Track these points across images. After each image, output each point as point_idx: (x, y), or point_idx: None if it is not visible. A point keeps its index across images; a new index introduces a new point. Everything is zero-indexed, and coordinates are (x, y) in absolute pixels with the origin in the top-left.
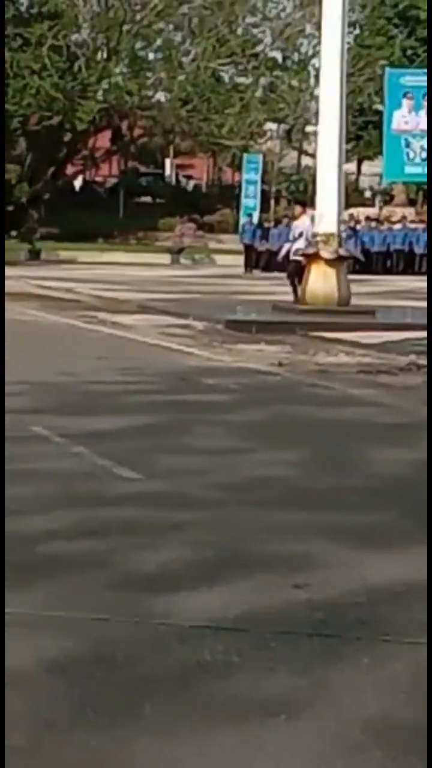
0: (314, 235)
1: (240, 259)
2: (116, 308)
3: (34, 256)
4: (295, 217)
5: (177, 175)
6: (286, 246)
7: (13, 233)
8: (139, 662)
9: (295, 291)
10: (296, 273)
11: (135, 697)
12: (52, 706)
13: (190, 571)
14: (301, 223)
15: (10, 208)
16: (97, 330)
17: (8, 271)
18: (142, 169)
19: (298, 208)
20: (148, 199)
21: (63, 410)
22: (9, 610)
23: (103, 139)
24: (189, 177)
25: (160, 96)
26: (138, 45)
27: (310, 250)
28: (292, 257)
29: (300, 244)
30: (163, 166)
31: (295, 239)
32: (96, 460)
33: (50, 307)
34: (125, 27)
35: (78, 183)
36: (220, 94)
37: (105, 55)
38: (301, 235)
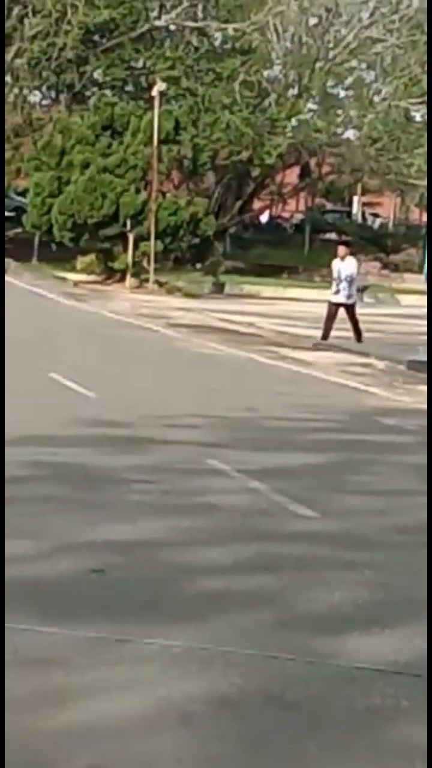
0: None
1: (424, 300)
2: (297, 344)
3: (218, 289)
4: (341, 258)
5: (363, 213)
6: (334, 289)
7: (198, 266)
8: (308, 702)
9: (326, 332)
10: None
11: (303, 737)
12: (221, 742)
13: (362, 612)
14: (349, 266)
15: (196, 241)
16: (277, 365)
17: (192, 303)
18: (329, 206)
19: (342, 249)
20: (333, 236)
21: (241, 445)
22: (180, 643)
23: (291, 175)
24: (375, 215)
25: (350, 134)
26: (329, 83)
27: None
28: (346, 302)
29: (351, 288)
30: (350, 204)
31: (341, 281)
32: (272, 496)
33: (232, 341)
34: (317, 64)
35: (264, 218)
36: (410, 134)
37: (296, 92)
38: (350, 279)
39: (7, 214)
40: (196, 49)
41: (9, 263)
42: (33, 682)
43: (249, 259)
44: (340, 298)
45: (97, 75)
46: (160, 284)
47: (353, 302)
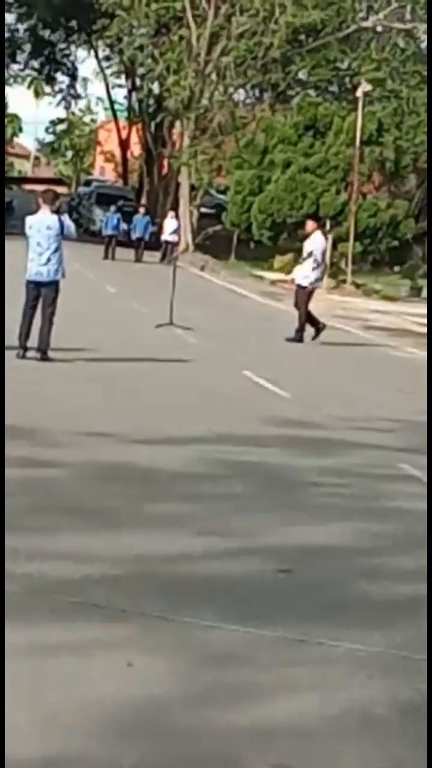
0: None
1: None
2: None
3: (416, 293)
4: (306, 235)
5: None
6: (296, 270)
7: (396, 269)
8: None
9: (315, 324)
10: (307, 302)
11: None
12: (405, 746)
13: None
14: (314, 242)
15: (395, 243)
16: None
17: (388, 306)
18: None
19: (310, 224)
20: None
21: None
22: (366, 647)
23: None
24: None
25: None
26: None
27: None
28: (300, 282)
29: (307, 268)
30: None
31: (303, 259)
32: None
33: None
34: None
35: None
36: None
37: None
38: (310, 255)
39: (207, 211)
40: (403, 51)
41: (207, 260)
42: (220, 678)
43: None
44: (299, 279)
45: (302, 75)
46: (357, 286)
47: (309, 285)
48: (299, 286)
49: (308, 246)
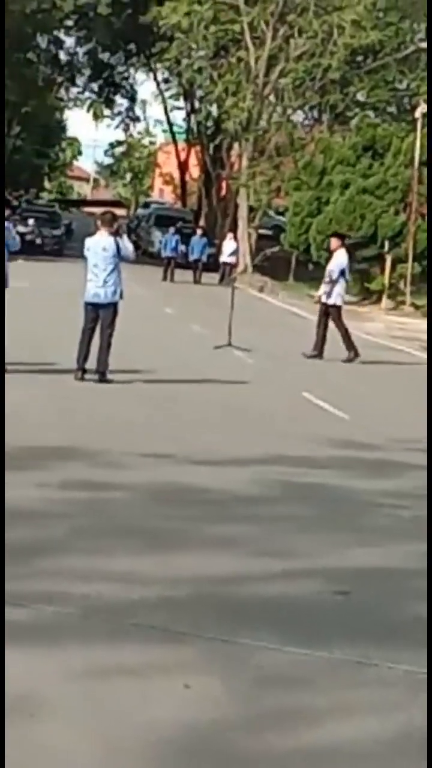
0: None
1: None
2: None
3: None
4: (331, 252)
5: None
6: (323, 288)
7: None
8: None
9: (349, 343)
10: (340, 320)
11: None
12: None
13: None
14: (341, 260)
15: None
16: None
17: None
18: None
19: (334, 241)
20: None
21: None
22: (425, 669)
23: None
24: None
25: None
26: None
27: None
28: (331, 302)
29: (341, 288)
30: None
31: (332, 281)
32: None
33: None
34: None
35: None
36: None
37: None
38: (342, 274)
39: (265, 232)
40: None
41: (265, 282)
42: (278, 701)
43: None
44: (324, 298)
45: (360, 96)
46: (416, 307)
47: (334, 303)
48: (334, 306)
49: (333, 264)
